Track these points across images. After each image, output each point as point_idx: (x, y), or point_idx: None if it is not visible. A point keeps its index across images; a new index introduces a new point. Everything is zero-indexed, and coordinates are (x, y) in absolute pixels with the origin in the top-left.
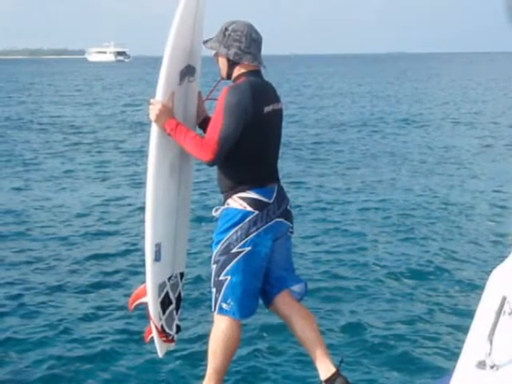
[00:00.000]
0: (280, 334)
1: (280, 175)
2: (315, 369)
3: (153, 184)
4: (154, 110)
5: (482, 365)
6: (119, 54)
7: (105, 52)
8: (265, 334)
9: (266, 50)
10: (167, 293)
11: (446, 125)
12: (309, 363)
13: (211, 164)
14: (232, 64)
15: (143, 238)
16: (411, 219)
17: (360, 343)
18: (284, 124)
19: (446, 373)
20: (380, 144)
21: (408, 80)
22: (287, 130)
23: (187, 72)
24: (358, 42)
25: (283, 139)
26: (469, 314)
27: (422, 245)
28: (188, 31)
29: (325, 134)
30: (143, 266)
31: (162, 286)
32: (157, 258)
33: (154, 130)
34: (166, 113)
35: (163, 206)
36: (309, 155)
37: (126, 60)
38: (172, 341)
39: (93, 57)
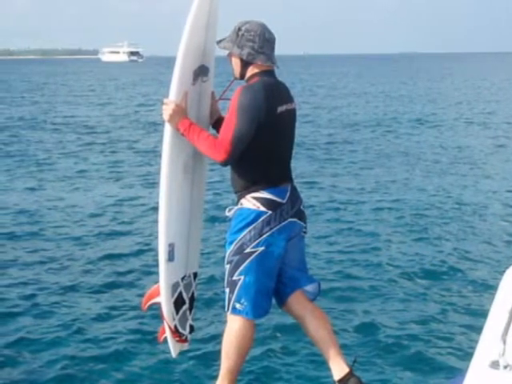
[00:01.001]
0: (293, 334)
1: (293, 175)
2: (328, 369)
3: (166, 184)
4: (167, 110)
5: (495, 365)
6: (133, 53)
7: (118, 52)
8: (278, 334)
9: (279, 49)
10: (180, 293)
11: (460, 125)
12: (322, 363)
13: (224, 164)
14: (245, 64)
15: (156, 237)
16: (424, 219)
17: (373, 343)
18: (297, 124)
19: (460, 373)
20: (393, 144)
21: (421, 80)
22: (301, 130)
23: (200, 72)
24: (370, 42)
25: (296, 139)
26: (482, 314)
27: (436, 245)
28: (201, 31)
29: (338, 134)
30: (156, 265)
31: (175, 286)
32: (170, 257)
33: (168, 129)
34: (180, 113)
35: (176, 206)
36: (322, 155)
37: (140, 60)
38: (185, 341)
39: (106, 57)
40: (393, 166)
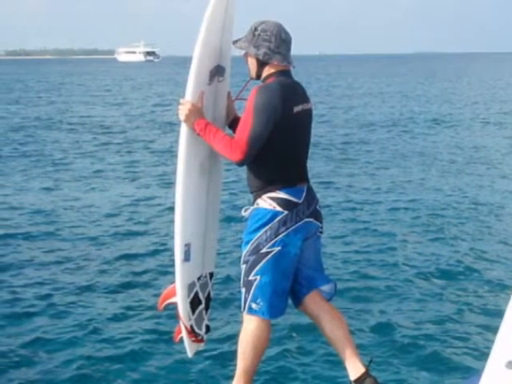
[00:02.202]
0: (309, 334)
1: (310, 175)
2: (344, 369)
3: (182, 184)
4: (183, 110)
5: (511, 365)
6: (149, 53)
7: (134, 52)
8: (294, 334)
9: (294, 49)
10: (197, 293)
11: (476, 125)
12: (338, 363)
13: (240, 164)
14: (261, 64)
15: (172, 237)
16: (441, 219)
17: (389, 343)
18: (314, 124)
19: (475, 373)
20: (410, 144)
21: (437, 80)
22: (317, 131)
23: (217, 72)
24: (386, 41)
25: (313, 139)
26: (498, 314)
27: (452, 245)
28: (218, 31)
29: (354, 134)
30: (172, 265)
31: (191, 286)
32: (186, 257)
33: (184, 130)
34: (196, 113)
35: (192, 206)
36: (338, 155)
37: (156, 60)
38: (201, 341)
39: (122, 57)
40: (409, 166)
